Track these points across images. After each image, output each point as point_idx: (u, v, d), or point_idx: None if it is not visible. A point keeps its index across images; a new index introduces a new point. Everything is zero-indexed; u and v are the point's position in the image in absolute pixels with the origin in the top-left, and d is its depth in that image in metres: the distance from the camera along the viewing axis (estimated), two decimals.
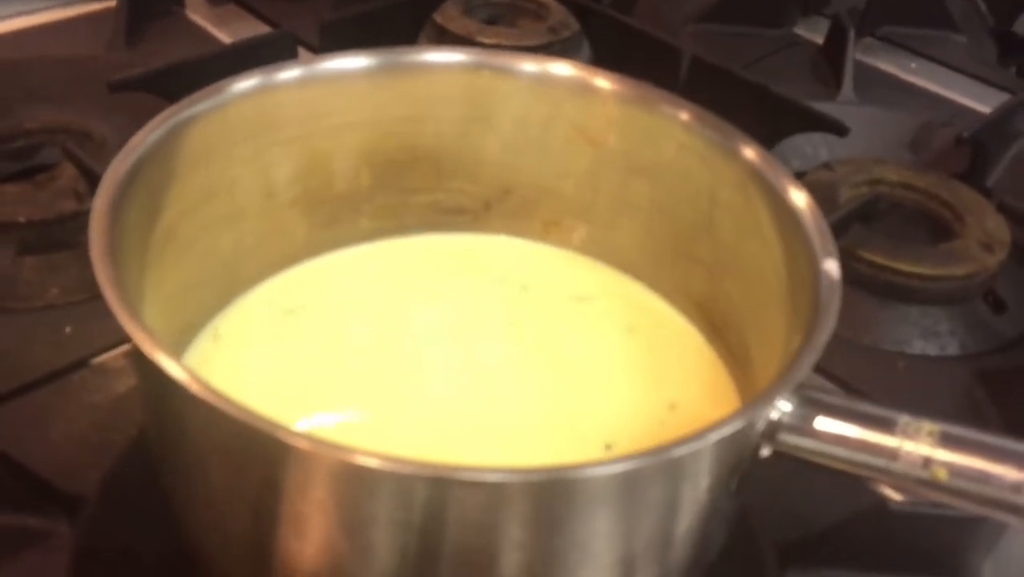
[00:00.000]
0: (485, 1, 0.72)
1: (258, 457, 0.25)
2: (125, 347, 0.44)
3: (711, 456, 0.26)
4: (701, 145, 0.35)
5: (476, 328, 0.39)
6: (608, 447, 0.34)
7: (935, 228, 0.57)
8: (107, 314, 0.46)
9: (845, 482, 0.39)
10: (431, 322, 0.39)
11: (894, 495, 0.38)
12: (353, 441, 0.24)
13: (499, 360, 0.37)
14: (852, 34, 0.68)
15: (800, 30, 0.75)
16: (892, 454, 0.26)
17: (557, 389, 0.36)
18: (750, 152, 0.33)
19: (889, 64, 0.72)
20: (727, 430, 0.25)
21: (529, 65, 0.37)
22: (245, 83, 0.34)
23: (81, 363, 0.43)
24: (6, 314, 0.47)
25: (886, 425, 0.27)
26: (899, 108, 0.67)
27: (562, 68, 0.37)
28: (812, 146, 0.62)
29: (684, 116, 0.35)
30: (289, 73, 0.35)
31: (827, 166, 0.59)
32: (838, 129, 0.57)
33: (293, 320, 0.38)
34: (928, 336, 0.51)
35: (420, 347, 0.38)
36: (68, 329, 0.45)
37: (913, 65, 0.72)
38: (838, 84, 0.67)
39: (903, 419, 0.27)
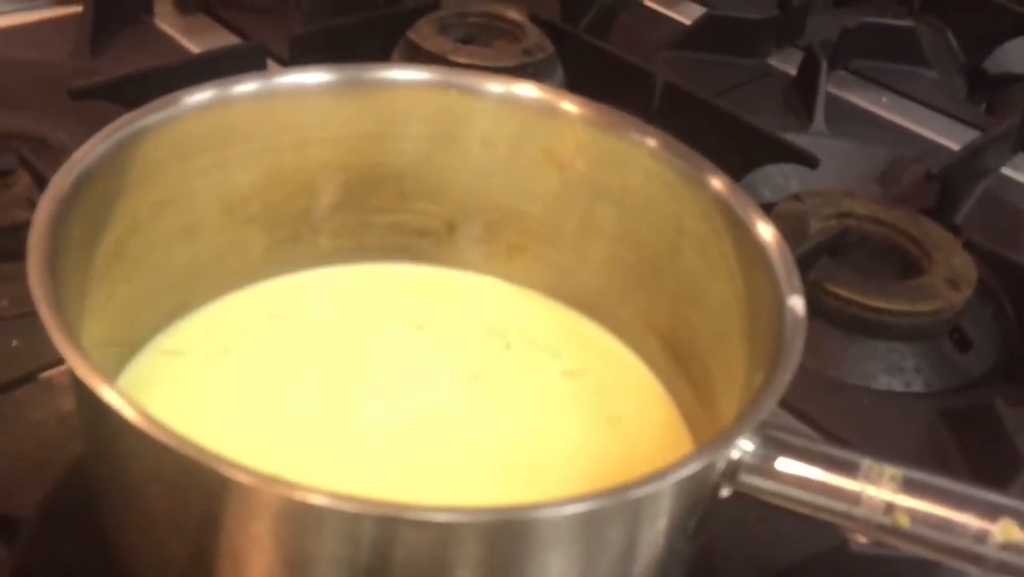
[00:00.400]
0: (460, 20, 0.71)
1: (197, 489, 0.24)
2: None
3: (670, 497, 0.25)
4: (668, 173, 0.34)
5: (427, 364, 0.38)
6: (555, 487, 0.33)
7: (903, 263, 0.57)
8: None
9: (806, 523, 0.38)
10: (382, 355, 0.38)
11: (856, 537, 0.37)
12: (295, 474, 0.23)
13: (449, 398, 0.37)
14: (824, 66, 0.68)
15: (774, 61, 0.75)
16: (854, 498, 0.26)
17: (506, 429, 0.36)
18: (717, 183, 0.33)
19: (860, 98, 0.72)
20: (687, 470, 0.24)
21: (495, 86, 0.37)
22: (199, 96, 0.33)
23: (27, 378, 0.42)
24: None
25: (848, 468, 0.26)
26: (870, 142, 0.67)
27: (528, 90, 0.37)
28: (783, 176, 0.62)
29: (651, 143, 0.35)
30: (245, 87, 0.34)
31: (797, 197, 0.59)
32: (809, 161, 0.57)
33: (242, 342, 0.37)
34: (893, 372, 0.51)
35: (369, 380, 0.37)
36: (15, 342, 0.44)
37: (884, 99, 0.72)
38: (810, 116, 0.67)
39: (866, 462, 0.26)
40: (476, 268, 0.41)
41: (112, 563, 0.31)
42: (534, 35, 0.70)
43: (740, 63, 0.74)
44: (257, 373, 0.35)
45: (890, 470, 0.26)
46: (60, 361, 0.42)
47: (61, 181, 0.28)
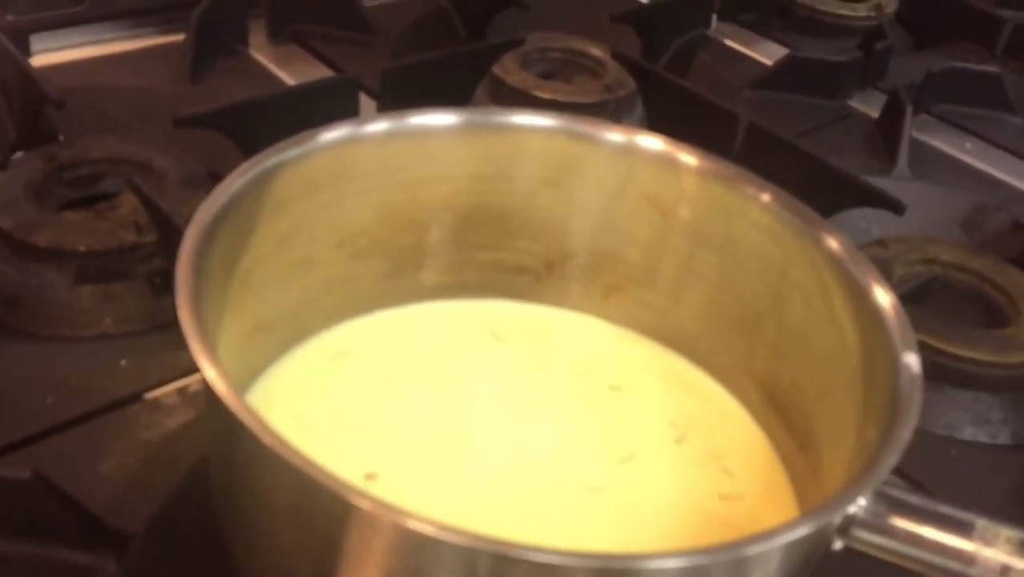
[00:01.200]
0: (542, 56, 0.72)
1: (323, 513, 0.25)
2: (179, 383, 0.45)
3: (786, 552, 0.25)
4: (777, 226, 0.35)
5: (525, 403, 0.38)
6: (658, 532, 0.33)
7: (988, 312, 0.56)
8: (160, 349, 0.46)
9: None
10: (482, 390, 0.39)
11: None
12: (401, 498, 0.24)
13: (545, 438, 0.37)
14: (909, 110, 0.68)
15: (855, 103, 0.75)
16: (969, 559, 0.26)
17: (608, 471, 0.36)
18: (832, 241, 0.33)
19: (943, 143, 0.72)
20: (806, 529, 0.24)
21: (615, 135, 0.38)
22: (332, 134, 0.35)
23: (135, 397, 0.43)
24: (61, 342, 0.47)
25: (963, 529, 0.26)
26: (953, 187, 0.67)
27: (648, 141, 0.37)
28: (865, 220, 0.62)
29: (765, 197, 0.35)
30: (377, 126, 0.36)
31: (881, 243, 0.58)
32: (895, 207, 0.57)
33: (349, 371, 0.38)
34: (979, 423, 0.51)
35: (472, 413, 0.38)
36: (123, 362, 0.45)
37: (968, 145, 0.72)
38: (892, 159, 0.67)
39: (981, 523, 0.26)
40: (572, 307, 0.41)
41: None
42: (615, 71, 0.71)
43: (821, 104, 0.74)
44: (362, 403, 0.36)
45: (1006, 532, 0.26)
46: (165, 381, 0.45)
47: (205, 213, 0.30)
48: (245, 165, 0.32)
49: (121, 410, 0.43)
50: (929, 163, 0.69)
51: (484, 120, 0.37)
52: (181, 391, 0.44)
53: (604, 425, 0.38)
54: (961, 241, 0.62)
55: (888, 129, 0.70)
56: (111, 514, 0.37)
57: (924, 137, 0.72)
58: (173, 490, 0.38)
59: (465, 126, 0.37)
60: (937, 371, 0.51)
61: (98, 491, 0.38)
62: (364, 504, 0.23)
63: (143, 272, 0.50)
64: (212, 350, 0.26)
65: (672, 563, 0.24)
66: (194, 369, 0.45)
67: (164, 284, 0.50)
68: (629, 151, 0.38)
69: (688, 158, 0.37)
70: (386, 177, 0.37)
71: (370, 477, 0.33)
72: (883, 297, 0.31)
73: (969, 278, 0.57)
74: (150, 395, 0.44)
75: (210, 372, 0.25)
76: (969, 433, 0.50)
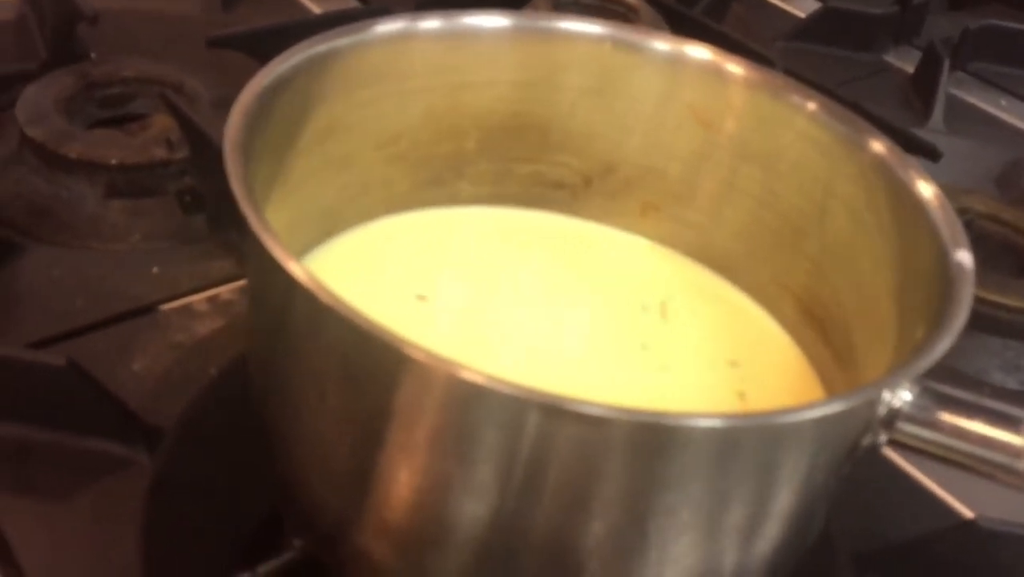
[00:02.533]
0: (575, 1, 0.72)
1: (375, 368, 0.25)
2: (209, 292, 0.45)
3: (819, 431, 0.25)
4: (824, 136, 0.34)
5: (560, 305, 0.38)
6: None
7: (1020, 262, 0.56)
8: (191, 261, 0.46)
9: (925, 499, 0.38)
10: (518, 288, 0.38)
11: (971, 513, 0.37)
12: None
13: (580, 340, 0.37)
14: (946, 64, 0.67)
15: (890, 58, 0.74)
16: (1016, 452, 0.26)
17: (638, 374, 0.36)
18: (878, 145, 0.33)
19: (978, 99, 0.71)
20: (837, 407, 0.24)
21: (662, 44, 0.37)
22: (386, 26, 0.34)
23: (166, 301, 0.43)
24: (91, 252, 0.47)
25: (1011, 423, 0.26)
26: (987, 143, 0.66)
27: (696, 51, 0.37)
28: None
29: (811, 106, 0.35)
30: (430, 23, 0.35)
31: None
32: (931, 153, 0.57)
33: (386, 262, 0.38)
34: (1009, 369, 0.50)
35: (508, 305, 0.37)
36: (155, 269, 0.45)
37: (1003, 102, 0.71)
38: (927, 113, 0.67)
39: None
40: (609, 223, 0.41)
41: (248, 471, 0.32)
42: (649, 16, 0.70)
43: (856, 58, 0.73)
44: (386, 294, 0.36)
45: None
46: (196, 290, 0.45)
47: (251, 91, 0.29)
48: (295, 48, 0.32)
49: (152, 314, 0.43)
50: (964, 119, 0.68)
51: (532, 25, 0.37)
52: (212, 299, 0.44)
53: (637, 341, 0.37)
54: (995, 195, 0.62)
55: (924, 84, 0.69)
56: (143, 409, 0.37)
57: (959, 93, 0.71)
58: (203, 390, 0.39)
59: (514, 30, 0.36)
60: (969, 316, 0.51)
61: (131, 387, 0.39)
62: (418, 355, 0.23)
63: (173, 189, 0.50)
64: (256, 203, 0.26)
65: (712, 423, 0.24)
66: (225, 279, 0.45)
67: (194, 202, 0.50)
68: (675, 61, 0.37)
69: (735, 68, 0.36)
70: (432, 78, 0.36)
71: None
72: (927, 191, 0.31)
73: (1002, 229, 0.57)
74: (181, 301, 0.44)
75: (263, 234, 0.25)
76: (998, 379, 0.50)
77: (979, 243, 0.57)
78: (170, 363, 0.40)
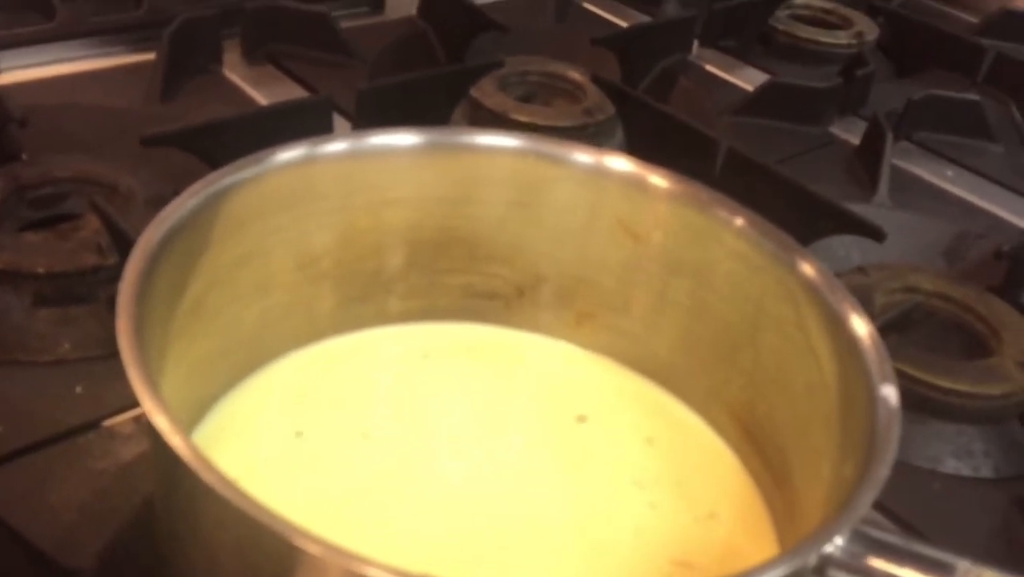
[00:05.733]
0: (521, 79, 0.72)
1: (267, 554, 0.24)
2: (135, 412, 0.43)
3: None
4: (753, 253, 0.34)
5: (495, 430, 0.37)
6: (629, 565, 0.32)
7: (970, 342, 0.55)
8: (119, 376, 0.44)
9: None
10: (450, 418, 0.37)
11: None
12: (361, 536, 0.22)
13: (516, 467, 0.36)
14: (890, 138, 0.68)
15: (836, 130, 0.75)
16: None
17: (574, 501, 0.35)
18: (807, 267, 0.32)
19: (924, 170, 0.72)
20: (780, 571, 0.23)
21: (584, 156, 0.37)
22: (289, 153, 0.33)
23: (90, 426, 0.42)
24: (16, 367, 0.45)
25: (943, 570, 0.25)
26: (934, 215, 0.66)
27: (617, 163, 0.36)
28: (844, 248, 0.61)
29: (739, 221, 0.34)
30: (335, 146, 0.35)
31: (861, 270, 0.58)
32: (876, 234, 0.57)
33: (309, 399, 0.37)
34: (961, 455, 0.50)
35: (437, 440, 0.36)
36: (79, 389, 0.44)
37: (949, 173, 0.71)
38: (873, 186, 0.67)
39: (963, 565, 0.25)
40: (544, 332, 0.40)
41: None
42: (595, 96, 0.70)
43: (802, 131, 0.73)
44: (324, 430, 0.35)
45: (988, 573, 0.25)
46: (122, 409, 0.43)
47: (151, 235, 0.28)
48: (197, 185, 0.31)
49: (74, 439, 0.41)
50: (910, 191, 0.68)
51: (449, 140, 0.36)
52: (137, 419, 0.42)
53: (572, 456, 0.36)
54: (943, 270, 0.62)
55: (869, 156, 0.69)
56: (59, 549, 0.36)
57: (905, 165, 0.71)
58: (125, 523, 0.37)
59: (429, 146, 0.36)
60: (918, 402, 0.50)
61: (46, 524, 0.37)
62: (312, 548, 0.22)
63: (104, 295, 0.49)
64: (153, 381, 0.25)
65: None
66: None
67: None
68: (598, 173, 0.36)
69: (659, 180, 0.36)
70: (347, 198, 0.35)
71: (326, 507, 0.32)
72: (860, 327, 0.30)
73: (951, 307, 0.57)
74: (106, 423, 0.42)
75: (149, 404, 0.24)
76: (951, 466, 0.49)
77: (927, 323, 0.57)
78: (90, 494, 0.38)
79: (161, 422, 0.23)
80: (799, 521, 0.31)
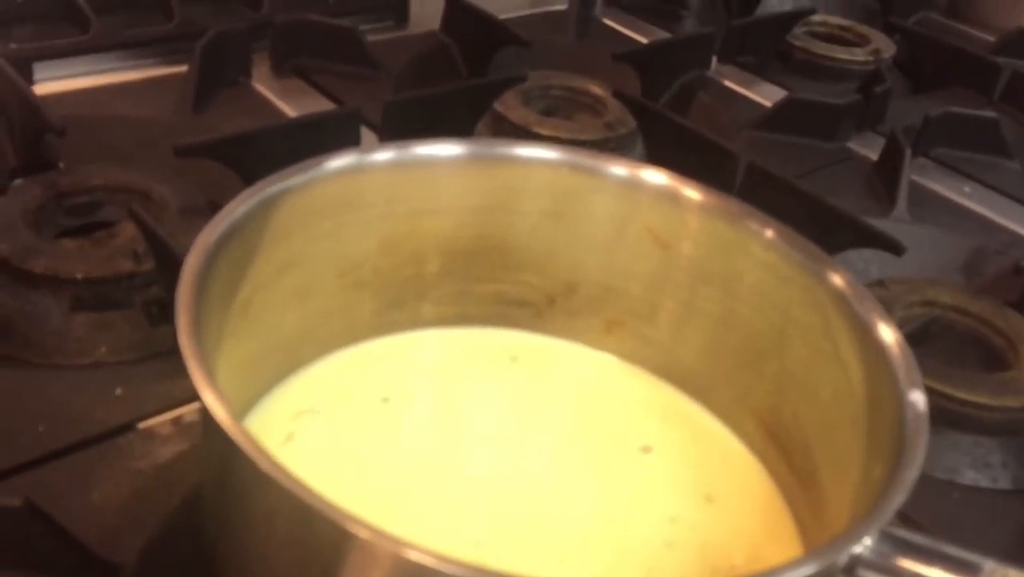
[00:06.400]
0: (544, 93, 0.73)
1: (318, 540, 0.25)
2: (173, 413, 0.44)
3: None
4: (781, 263, 0.35)
5: (526, 430, 0.38)
6: (658, 568, 0.33)
7: (988, 356, 0.56)
8: (155, 378, 0.46)
9: None
10: (483, 418, 0.38)
11: None
12: (398, 528, 0.23)
13: (546, 467, 0.37)
14: (908, 153, 0.68)
15: (854, 145, 0.76)
16: None
17: (603, 503, 0.36)
18: (836, 277, 0.33)
19: (942, 186, 0.72)
20: (811, 568, 0.24)
21: (618, 169, 0.38)
22: (337, 162, 0.34)
23: (128, 426, 0.43)
24: (55, 370, 0.46)
25: (970, 570, 0.26)
26: (952, 231, 0.67)
27: (652, 175, 0.37)
28: (863, 261, 0.62)
29: (768, 233, 0.35)
30: (383, 155, 0.36)
31: (880, 284, 0.58)
32: (895, 248, 0.57)
33: (346, 398, 0.38)
34: (979, 467, 0.50)
35: (471, 441, 0.37)
36: (118, 391, 0.45)
37: (967, 189, 0.72)
38: (891, 201, 0.67)
39: (988, 565, 0.26)
40: (573, 339, 0.41)
41: None
42: (616, 110, 0.71)
43: (820, 146, 0.74)
44: (362, 430, 0.36)
45: (1014, 573, 0.26)
46: (159, 411, 0.44)
47: (207, 237, 0.29)
48: (248, 191, 0.32)
49: (114, 439, 0.42)
50: (928, 206, 0.69)
51: (488, 152, 0.37)
52: (175, 421, 0.43)
53: (601, 459, 0.37)
54: (961, 284, 0.62)
55: (887, 172, 0.70)
56: (102, 544, 0.37)
57: (923, 180, 0.72)
58: (165, 520, 0.38)
59: (469, 157, 0.37)
60: (937, 414, 0.50)
61: (89, 521, 0.38)
62: (362, 532, 0.23)
63: (140, 301, 0.50)
64: (211, 375, 0.26)
65: None
66: (189, 399, 0.45)
67: (161, 313, 0.49)
68: (632, 185, 0.38)
69: (691, 193, 0.37)
70: (389, 207, 0.36)
71: (364, 500, 0.33)
72: (888, 334, 0.31)
73: (969, 321, 0.57)
74: (144, 424, 0.43)
75: (208, 396, 0.25)
76: (970, 477, 0.50)
77: (946, 336, 0.57)
78: (130, 493, 0.40)
79: (220, 413, 0.24)
80: (827, 523, 0.32)
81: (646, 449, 0.38)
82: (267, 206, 0.32)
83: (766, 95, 0.81)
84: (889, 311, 0.55)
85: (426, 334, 0.40)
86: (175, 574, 0.36)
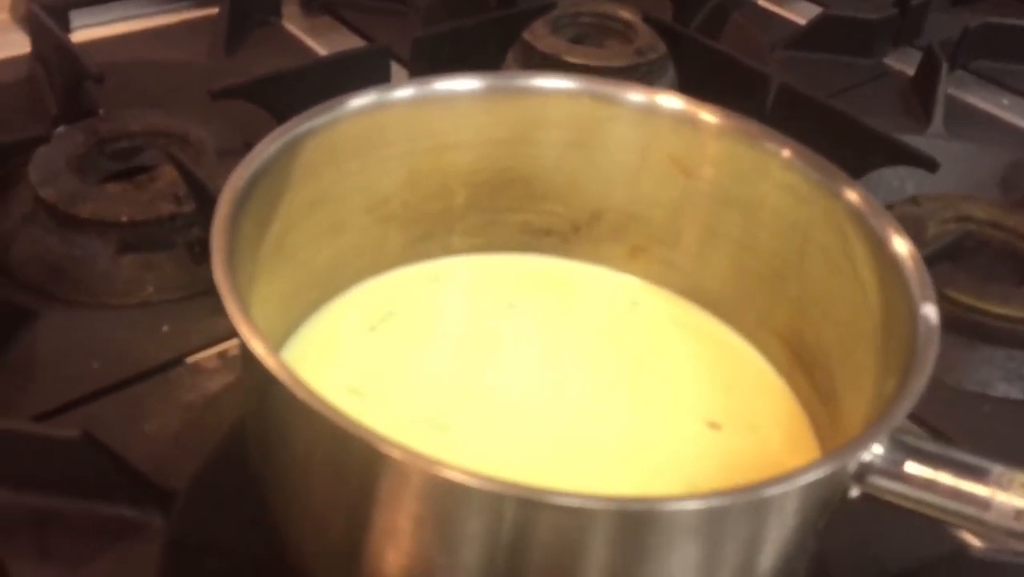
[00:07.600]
0: (573, 21, 0.73)
1: (354, 462, 0.26)
2: (219, 347, 0.46)
3: (802, 496, 0.26)
4: (800, 183, 0.35)
5: (557, 350, 0.39)
6: (688, 480, 0.34)
7: (1022, 269, 0.56)
8: (201, 315, 0.48)
9: (925, 526, 0.38)
10: (515, 340, 0.39)
11: (975, 541, 0.37)
12: (433, 447, 0.24)
13: (578, 385, 0.38)
14: (944, 67, 0.67)
15: (890, 61, 0.74)
16: (984, 504, 0.26)
17: (635, 416, 0.37)
18: (852, 194, 0.33)
19: (980, 99, 0.71)
20: (820, 472, 0.25)
21: (637, 96, 0.38)
22: (360, 100, 0.35)
23: (176, 361, 0.45)
24: (105, 309, 0.49)
25: (979, 474, 0.27)
26: (989, 145, 0.66)
27: (669, 101, 0.38)
28: (899, 179, 0.62)
29: (786, 153, 0.35)
30: (403, 92, 0.36)
31: (914, 200, 0.58)
32: (928, 164, 0.57)
33: (380, 327, 0.39)
34: (1012, 380, 0.51)
35: (503, 362, 0.38)
36: (165, 328, 0.47)
37: (1005, 101, 0.71)
38: (928, 117, 0.66)
39: (997, 469, 0.27)
40: (598, 264, 0.42)
41: (261, 533, 0.33)
42: (646, 35, 0.70)
43: (856, 63, 0.73)
44: (397, 351, 0.37)
45: (1021, 477, 0.26)
46: (206, 346, 0.46)
47: (237, 179, 0.31)
48: (275, 132, 0.33)
49: (164, 374, 0.44)
50: (965, 120, 0.68)
51: (507, 84, 0.38)
52: (221, 355, 0.45)
53: (628, 377, 0.38)
54: (997, 198, 0.62)
55: (923, 87, 0.69)
56: (156, 472, 0.39)
57: (960, 94, 0.71)
58: (215, 449, 0.40)
59: (489, 91, 0.37)
60: (970, 328, 0.51)
61: (143, 450, 0.40)
62: (395, 453, 0.24)
63: (182, 241, 0.52)
64: (247, 309, 0.27)
65: (692, 505, 0.25)
66: (233, 334, 0.46)
67: (203, 252, 0.51)
68: (651, 111, 0.38)
69: (709, 117, 0.37)
70: (413, 143, 0.37)
71: (400, 424, 0.34)
72: (902, 247, 0.31)
73: (1004, 235, 0.57)
74: (191, 359, 0.45)
75: (245, 330, 0.26)
76: (1001, 390, 0.50)
77: (980, 251, 0.57)
78: (181, 423, 0.42)
79: (257, 346, 0.26)
80: (843, 435, 0.32)
81: (676, 367, 0.39)
82: (293, 146, 0.33)
83: (801, 12, 0.79)
84: (923, 227, 0.55)
85: (455, 260, 0.41)
86: (226, 497, 0.38)
